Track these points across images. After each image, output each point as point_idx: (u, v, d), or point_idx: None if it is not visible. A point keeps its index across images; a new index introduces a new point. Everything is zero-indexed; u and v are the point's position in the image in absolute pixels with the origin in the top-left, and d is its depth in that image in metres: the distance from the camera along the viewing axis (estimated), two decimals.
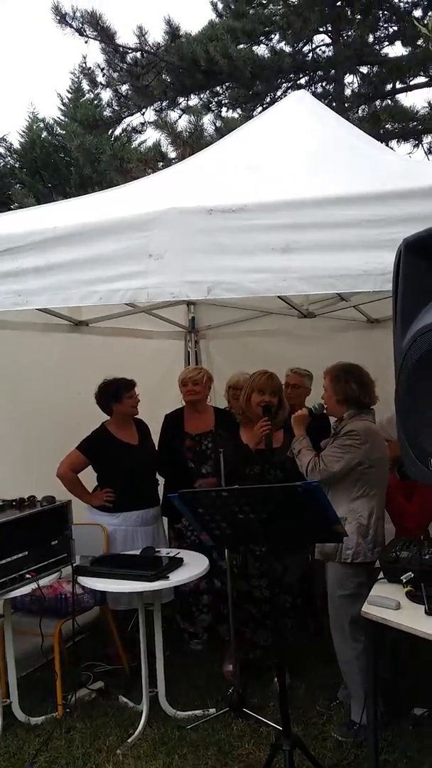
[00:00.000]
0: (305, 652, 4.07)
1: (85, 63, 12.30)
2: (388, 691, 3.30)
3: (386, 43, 11.09)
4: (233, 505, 2.51)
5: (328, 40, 11.27)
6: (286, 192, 2.47)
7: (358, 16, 10.43)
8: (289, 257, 2.30)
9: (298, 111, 3.57)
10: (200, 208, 2.42)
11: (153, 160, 9.13)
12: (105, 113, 11.91)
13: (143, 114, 11.21)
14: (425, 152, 11.25)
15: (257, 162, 2.99)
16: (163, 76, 10.39)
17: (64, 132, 20.03)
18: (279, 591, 3.68)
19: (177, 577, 3.36)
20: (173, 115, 10.86)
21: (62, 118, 21.22)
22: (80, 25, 10.03)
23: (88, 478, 4.29)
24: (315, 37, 11.19)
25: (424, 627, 2.39)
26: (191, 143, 8.77)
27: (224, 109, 11.66)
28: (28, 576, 3.36)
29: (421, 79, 10.43)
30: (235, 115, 11.48)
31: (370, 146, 3.49)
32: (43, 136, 20.94)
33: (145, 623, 3.54)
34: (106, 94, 12.33)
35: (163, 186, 3.24)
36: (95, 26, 10.01)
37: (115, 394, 4.19)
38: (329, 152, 3.07)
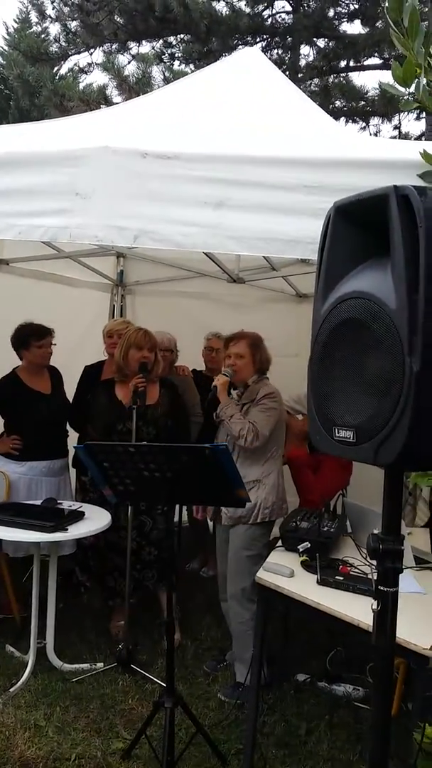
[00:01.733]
0: (199, 613, 4.14)
1: None
2: (274, 656, 3.39)
3: (345, 19, 11.02)
4: (139, 461, 2.46)
5: (288, 8, 11.10)
6: (226, 146, 2.39)
7: None
8: (221, 213, 2.22)
9: (249, 67, 3.46)
10: (135, 151, 2.29)
11: (95, 102, 8.75)
12: (51, 48, 11.33)
13: (91, 54, 10.76)
14: (371, 135, 11.33)
15: (201, 112, 2.88)
16: (115, 16, 9.94)
17: (5, 62, 18.90)
18: (146, 543, 3.78)
19: (76, 530, 3.31)
20: (122, 59, 10.46)
21: (5, 48, 19.99)
22: None
23: None
24: (276, 3, 11.01)
25: (314, 596, 2.44)
26: (138, 90, 8.45)
27: (177, 62, 11.34)
28: None
29: (375, 60, 10.45)
30: (188, 71, 11.17)
31: (318, 114, 3.44)
32: None
33: (43, 574, 3.47)
34: (54, 28, 11.75)
35: (99, 124, 3.08)
36: None
37: (24, 341, 4.03)
38: (276, 113, 3.00)
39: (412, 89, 2.09)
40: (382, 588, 1.38)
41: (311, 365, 1.46)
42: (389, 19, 2.05)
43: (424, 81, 2.08)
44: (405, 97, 2.07)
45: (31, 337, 4.02)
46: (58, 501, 3.74)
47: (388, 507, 1.41)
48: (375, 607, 1.39)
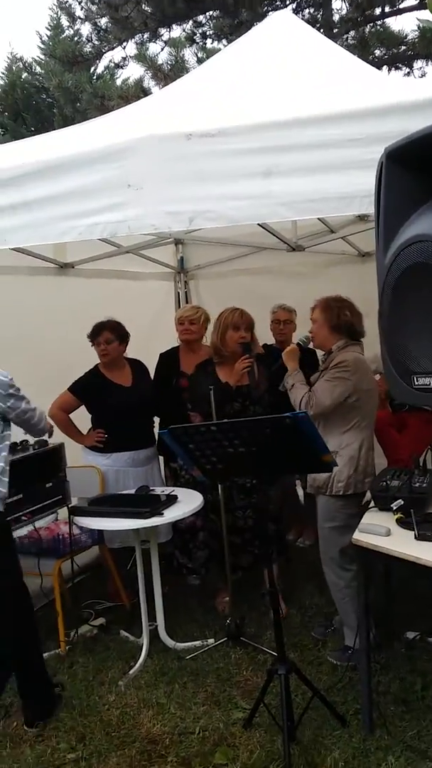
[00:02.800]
0: (301, 582, 4.17)
1: None
2: (381, 617, 3.38)
3: None
4: (223, 439, 2.50)
5: None
6: (267, 113, 2.36)
7: None
8: (270, 182, 2.21)
9: (280, 31, 3.40)
10: (178, 134, 2.31)
11: (134, 97, 8.80)
12: (85, 49, 11.46)
13: (124, 48, 10.82)
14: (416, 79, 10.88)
15: (238, 84, 2.86)
16: (143, 6, 9.93)
17: (44, 72, 19.25)
18: (265, 520, 3.72)
19: (171, 514, 3.39)
20: (156, 47, 10.48)
21: (42, 57, 20.31)
22: None
23: (86, 418, 4.30)
24: None
25: (414, 551, 2.42)
26: (173, 76, 8.44)
27: (209, 40, 11.22)
28: (23, 518, 3.39)
29: (411, 2, 9.99)
30: (221, 47, 11.05)
31: (357, 65, 3.34)
32: (23, 77, 20.08)
33: (145, 561, 3.59)
34: (85, 29, 11.88)
35: (140, 114, 3.11)
36: None
37: (90, 341, 4.19)
38: (313, 71, 2.94)
39: None
40: None
41: (381, 318, 1.44)
42: None
43: None
44: None
45: (91, 338, 4.17)
46: (151, 488, 3.84)
47: None
48: None
